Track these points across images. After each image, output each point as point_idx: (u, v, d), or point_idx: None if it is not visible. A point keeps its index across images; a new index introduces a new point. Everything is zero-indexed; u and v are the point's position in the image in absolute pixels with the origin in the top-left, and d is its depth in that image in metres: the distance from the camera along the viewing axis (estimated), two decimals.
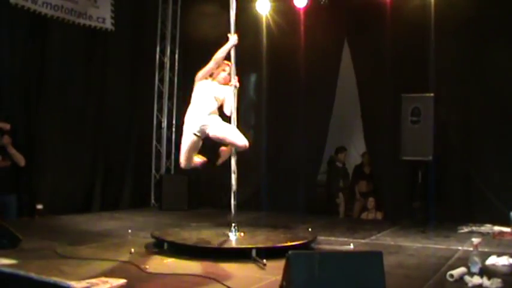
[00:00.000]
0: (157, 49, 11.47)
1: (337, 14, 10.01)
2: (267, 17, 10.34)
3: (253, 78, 10.92)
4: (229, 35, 6.88)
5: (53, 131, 9.49)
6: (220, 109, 6.94)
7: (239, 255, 5.97)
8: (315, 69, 10.08)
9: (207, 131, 6.75)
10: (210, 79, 6.93)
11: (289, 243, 6.21)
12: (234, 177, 6.81)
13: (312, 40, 9.99)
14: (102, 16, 9.93)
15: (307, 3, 9.98)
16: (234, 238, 6.56)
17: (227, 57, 6.89)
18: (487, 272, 5.26)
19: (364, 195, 10.43)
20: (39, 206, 8.80)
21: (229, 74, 6.90)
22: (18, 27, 9.00)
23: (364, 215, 10.13)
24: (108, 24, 9.99)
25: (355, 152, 11.69)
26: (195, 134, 6.79)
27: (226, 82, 6.91)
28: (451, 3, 8.86)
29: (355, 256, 4.61)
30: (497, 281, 4.86)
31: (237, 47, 6.90)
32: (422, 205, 8.59)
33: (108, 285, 4.65)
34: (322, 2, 10.06)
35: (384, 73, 9.61)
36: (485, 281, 4.89)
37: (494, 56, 8.71)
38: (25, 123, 9.13)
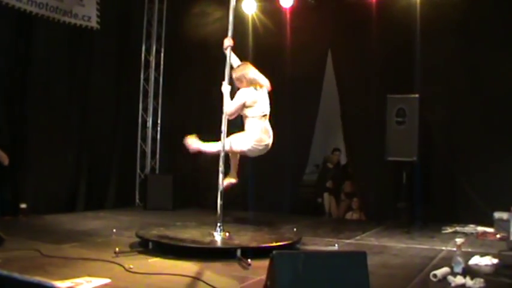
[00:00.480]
0: (143, 48, 11.43)
1: (323, 15, 10.02)
2: (253, 17, 10.35)
3: None
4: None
5: (37, 130, 9.42)
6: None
7: (224, 255, 5.98)
8: (301, 69, 10.07)
9: None
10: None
11: (274, 243, 6.22)
12: (221, 177, 6.80)
13: (298, 40, 10.00)
14: (88, 14, 9.87)
15: (294, 4, 9.99)
16: (219, 238, 6.55)
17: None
18: (470, 272, 5.30)
19: (348, 196, 10.46)
20: (23, 205, 8.75)
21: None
22: (2, 25, 8.92)
23: (348, 215, 10.17)
24: (94, 23, 9.93)
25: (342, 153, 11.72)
26: None
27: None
28: (437, 4, 8.90)
29: (339, 256, 4.61)
30: (480, 281, 4.90)
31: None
32: (407, 206, 8.62)
33: (92, 285, 4.63)
34: (311, 1, 10.08)
35: (368, 74, 9.65)
36: (468, 280, 4.93)
37: (480, 57, 8.77)
38: (9, 121, 9.06)
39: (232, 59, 7.00)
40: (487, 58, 8.68)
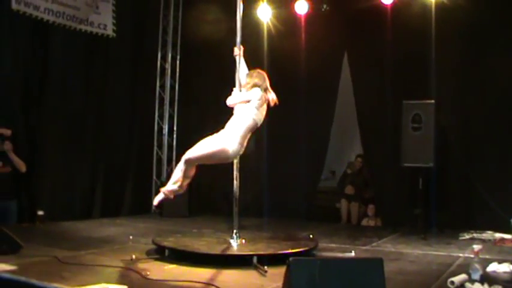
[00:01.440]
0: (159, 55, 11.49)
1: (338, 21, 10.03)
2: (268, 23, 10.37)
3: None
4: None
5: (54, 137, 9.50)
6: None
7: (240, 262, 5.96)
8: (316, 75, 10.08)
9: None
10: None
11: (290, 250, 6.21)
12: (235, 183, 6.81)
13: (313, 47, 10.00)
14: (104, 22, 9.95)
15: (308, 10, 10.01)
16: (235, 245, 6.56)
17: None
18: (488, 279, 5.25)
19: (365, 202, 10.41)
20: (40, 212, 8.80)
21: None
22: (20, 33, 9.03)
23: (364, 222, 10.12)
24: (110, 31, 10.01)
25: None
26: None
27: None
28: (452, 9, 8.87)
29: (355, 263, 4.61)
30: None
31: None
32: (424, 212, 8.57)
33: None
34: (323, 9, 10.10)
35: (384, 80, 9.63)
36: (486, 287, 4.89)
37: (495, 62, 8.70)
38: (26, 129, 9.14)
39: (242, 67, 6.99)
40: (503, 62, 8.61)
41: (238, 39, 6.98)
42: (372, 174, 10.23)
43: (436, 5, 8.96)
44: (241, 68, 6.98)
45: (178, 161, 11.28)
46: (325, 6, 10.19)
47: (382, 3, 9.34)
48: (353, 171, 11.00)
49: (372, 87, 9.88)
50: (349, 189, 10.66)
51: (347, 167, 11.36)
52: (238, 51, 6.95)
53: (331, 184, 11.98)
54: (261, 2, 10.22)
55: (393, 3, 9.31)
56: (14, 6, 8.45)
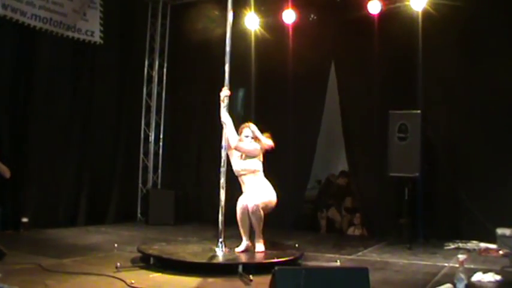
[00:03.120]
0: (146, 63, 11.49)
1: (325, 31, 10.06)
2: (255, 32, 10.39)
3: (241, 92, 10.94)
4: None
5: (39, 144, 9.43)
6: None
7: (226, 270, 5.96)
8: (304, 84, 10.11)
9: None
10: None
11: (275, 259, 6.20)
12: (222, 192, 6.81)
13: (301, 56, 10.03)
14: (91, 29, 9.91)
15: (296, 19, 10.04)
16: (220, 253, 6.54)
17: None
18: None
19: (350, 211, 10.43)
20: (25, 219, 8.75)
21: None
22: (6, 38, 8.97)
23: (350, 230, 10.14)
24: (97, 38, 9.97)
25: (343, 168, 11.69)
26: None
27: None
28: (439, 19, 8.92)
29: (341, 272, 4.61)
30: None
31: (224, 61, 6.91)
32: (409, 221, 8.60)
33: None
34: (310, 19, 10.13)
35: (371, 89, 9.66)
36: None
37: (482, 72, 8.75)
38: (11, 135, 9.07)
39: (224, 113, 6.94)
40: (490, 73, 8.67)
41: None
42: (357, 184, 10.23)
43: (423, 14, 9.01)
44: (224, 114, 6.92)
45: (164, 168, 11.34)
46: (312, 15, 10.23)
47: (369, 13, 9.39)
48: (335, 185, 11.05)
49: (358, 97, 9.91)
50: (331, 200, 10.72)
51: (329, 179, 11.37)
52: (227, 92, 6.91)
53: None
54: (248, 11, 10.25)
55: (380, 13, 9.37)
56: (1, 11, 8.40)
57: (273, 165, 10.35)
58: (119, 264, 6.05)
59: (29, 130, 9.33)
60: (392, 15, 9.37)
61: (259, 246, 6.82)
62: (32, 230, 8.72)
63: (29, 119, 9.33)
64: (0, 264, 5.81)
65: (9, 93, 9.09)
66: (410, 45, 9.09)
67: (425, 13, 9.01)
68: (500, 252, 7.65)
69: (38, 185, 9.35)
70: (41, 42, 9.41)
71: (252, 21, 10.32)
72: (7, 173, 8.41)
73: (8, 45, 9.06)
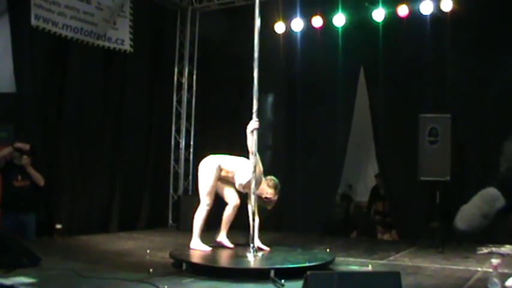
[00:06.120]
0: (175, 70, 11.59)
1: (353, 35, 10.05)
2: (285, 37, 10.42)
3: (270, 98, 10.97)
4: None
5: (72, 152, 9.57)
6: None
7: (257, 275, 5.96)
8: (333, 90, 10.11)
9: None
10: None
11: (307, 264, 6.20)
12: (253, 197, 6.83)
13: (330, 60, 10.03)
14: (121, 38, 10.02)
15: (323, 24, 10.07)
16: (252, 258, 6.55)
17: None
18: None
19: (381, 216, 10.39)
20: (58, 226, 8.86)
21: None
22: (38, 49, 9.12)
23: (381, 236, 10.09)
24: (127, 46, 10.08)
25: (373, 173, 11.65)
26: None
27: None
28: (468, 20, 8.87)
29: (373, 276, 4.60)
30: None
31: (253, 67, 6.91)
32: (441, 225, 8.53)
33: None
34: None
35: (400, 93, 9.62)
36: None
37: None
38: (44, 143, 9.21)
39: (250, 141, 6.85)
40: None
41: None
42: (388, 188, 10.19)
43: (452, 16, 8.97)
44: (250, 142, 6.85)
45: (194, 175, 11.40)
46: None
47: (398, 15, 9.37)
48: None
49: (388, 101, 9.87)
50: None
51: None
52: (256, 124, 6.77)
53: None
54: (277, 17, 10.28)
55: (408, 15, 9.34)
56: (33, 22, 8.53)
57: (304, 171, 10.45)
58: (151, 270, 6.10)
59: (62, 138, 9.47)
60: (421, 17, 9.32)
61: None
62: (65, 236, 8.84)
63: (61, 128, 9.46)
64: (35, 269, 5.91)
65: (42, 103, 9.23)
66: (439, 47, 9.05)
67: (454, 13, 8.96)
68: None
69: (71, 192, 9.48)
70: (72, 52, 9.55)
71: (281, 27, 10.36)
72: (41, 181, 8.58)
73: (40, 56, 9.18)
